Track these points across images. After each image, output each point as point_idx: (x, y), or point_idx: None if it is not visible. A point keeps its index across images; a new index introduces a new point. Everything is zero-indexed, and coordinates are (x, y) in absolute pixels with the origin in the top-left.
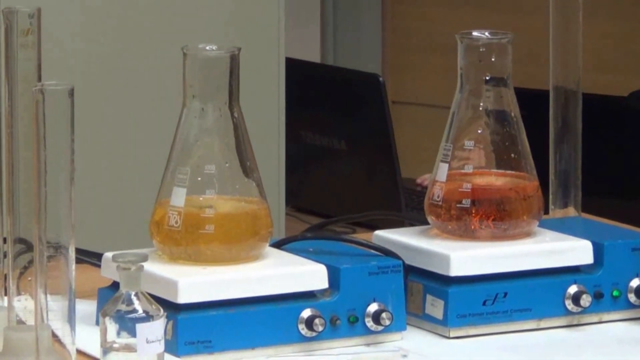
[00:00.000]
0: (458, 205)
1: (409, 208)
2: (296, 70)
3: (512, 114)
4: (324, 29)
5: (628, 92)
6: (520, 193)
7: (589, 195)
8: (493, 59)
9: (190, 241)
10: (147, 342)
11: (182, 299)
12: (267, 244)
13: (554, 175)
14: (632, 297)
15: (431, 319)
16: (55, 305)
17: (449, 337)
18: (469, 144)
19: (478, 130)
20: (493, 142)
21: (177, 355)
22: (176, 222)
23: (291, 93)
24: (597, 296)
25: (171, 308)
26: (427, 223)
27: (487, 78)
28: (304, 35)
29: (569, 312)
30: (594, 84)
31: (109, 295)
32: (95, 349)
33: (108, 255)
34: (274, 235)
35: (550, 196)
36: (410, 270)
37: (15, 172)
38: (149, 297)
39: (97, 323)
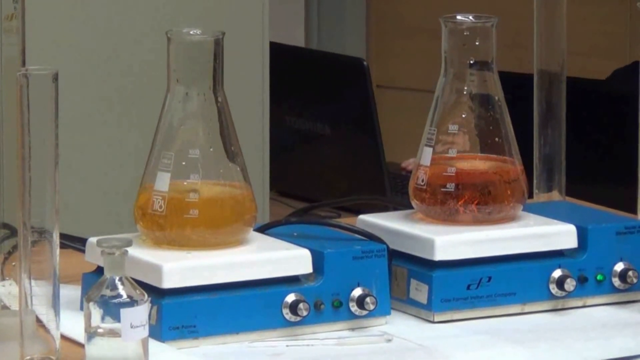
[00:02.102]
0: (442, 189)
1: (394, 192)
2: (280, 54)
3: (497, 98)
4: (308, 13)
5: (605, 75)
6: (504, 177)
7: (573, 179)
8: (477, 43)
9: (175, 226)
10: (132, 327)
11: (167, 283)
12: (251, 229)
13: (538, 159)
14: (616, 281)
15: (415, 304)
16: (40, 291)
17: (433, 322)
18: (453, 128)
19: (462, 114)
20: (477, 126)
21: (161, 340)
22: (160, 207)
23: (275, 77)
24: (581, 280)
25: (155, 293)
26: (411, 207)
27: (471, 62)
28: (288, 19)
29: (553, 296)
30: (574, 67)
31: (93, 280)
32: (79, 334)
33: (92, 240)
34: (258, 220)
35: (535, 180)
36: (395, 255)
37: None
38: (133, 282)
39: (82, 308)
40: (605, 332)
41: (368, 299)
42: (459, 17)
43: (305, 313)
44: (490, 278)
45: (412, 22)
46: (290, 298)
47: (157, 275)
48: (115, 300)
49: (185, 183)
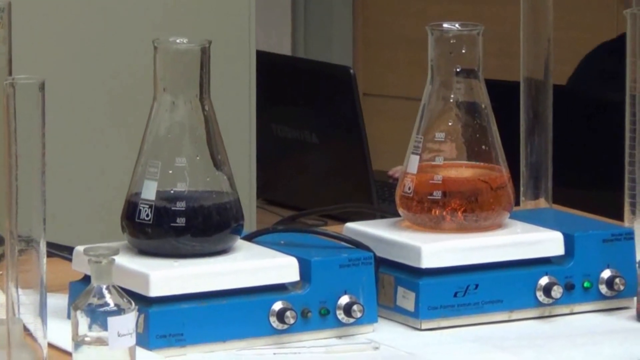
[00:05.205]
0: (429, 197)
1: (381, 200)
2: (267, 63)
3: (483, 106)
4: (294, 22)
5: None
6: (491, 185)
7: (559, 186)
8: (463, 51)
9: (162, 234)
10: (119, 335)
11: (154, 292)
12: (239, 237)
13: (525, 167)
14: (603, 288)
15: (402, 311)
16: (27, 299)
17: (420, 329)
18: (439, 135)
19: (449, 122)
20: (464, 134)
21: (148, 348)
22: (147, 216)
23: (262, 86)
24: (568, 287)
25: (143, 301)
26: (398, 215)
27: (458, 70)
28: (274, 28)
29: (540, 304)
30: (560, 74)
31: (80, 289)
32: (66, 343)
33: (79, 248)
34: (245, 228)
35: (521, 187)
36: (382, 263)
37: None
38: (120, 290)
39: (69, 317)
40: (592, 339)
41: (355, 307)
42: (445, 25)
43: (292, 321)
44: (477, 285)
45: (398, 30)
46: (278, 306)
47: (144, 284)
48: (103, 309)
49: (172, 191)
